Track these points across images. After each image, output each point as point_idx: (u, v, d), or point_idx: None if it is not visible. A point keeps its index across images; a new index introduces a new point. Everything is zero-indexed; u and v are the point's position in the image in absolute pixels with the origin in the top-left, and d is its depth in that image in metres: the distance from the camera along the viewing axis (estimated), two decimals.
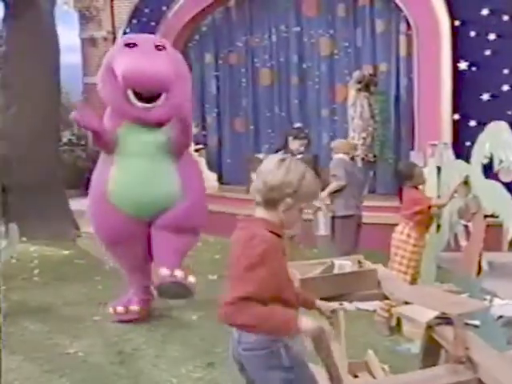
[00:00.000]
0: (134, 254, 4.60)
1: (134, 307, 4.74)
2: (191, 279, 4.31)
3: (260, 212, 1.98)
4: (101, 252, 7.22)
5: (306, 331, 1.84)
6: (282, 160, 1.94)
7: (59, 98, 9.08)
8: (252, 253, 1.84)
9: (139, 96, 4.25)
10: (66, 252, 7.35)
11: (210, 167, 8.94)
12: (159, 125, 4.39)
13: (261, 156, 8.61)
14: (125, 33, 8.95)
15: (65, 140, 13.78)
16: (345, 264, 3.04)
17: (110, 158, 4.48)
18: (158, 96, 4.27)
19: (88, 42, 14.83)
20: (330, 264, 3.05)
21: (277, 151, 5.48)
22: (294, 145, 5.44)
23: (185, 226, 4.47)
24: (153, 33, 8.69)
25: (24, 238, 7.29)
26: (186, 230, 4.49)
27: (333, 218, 5.26)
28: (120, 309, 4.74)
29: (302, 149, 5.48)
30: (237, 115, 9.30)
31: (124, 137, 4.39)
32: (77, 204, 9.65)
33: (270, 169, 1.93)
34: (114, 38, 11.97)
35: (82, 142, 14.53)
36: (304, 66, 8.67)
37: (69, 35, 15.30)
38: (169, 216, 4.43)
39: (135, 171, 4.36)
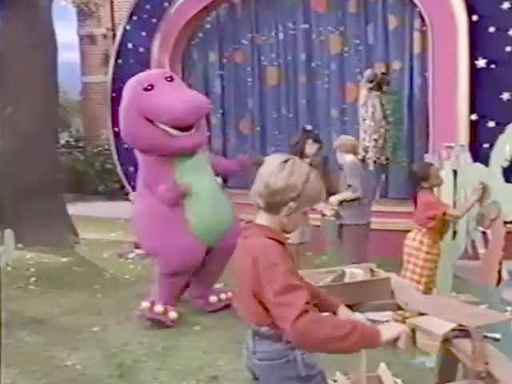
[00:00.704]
0: (186, 279, 5.02)
1: (174, 314, 4.84)
2: (230, 295, 5.12)
3: (261, 217, 1.96)
4: (100, 259, 7.29)
5: (389, 340, 1.83)
6: (285, 161, 1.89)
7: (57, 98, 9.12)
8: (274, 276, 1.81)
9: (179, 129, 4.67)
10: (64, 259, 7.37)
11: (215, 171, 9.02)
12: (195, 151, 4.84)
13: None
14: (125, 30, 8.98)
15: (62, 142, 13.85)
16: (356, 272, 3.02)
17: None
18: (190, 126, 4.70)
19: (86, 40, 14.90)
20: (340, 272, 3.04)
21: (295, 154, 5.47)
22: (312, 148, 5.43)
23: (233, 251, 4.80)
24: (154, 30, 8.74)
25: (20, 245, 7.31)
26: (232, 253, 4.79)
27: (341, 225, 5.22)
28: (159, 308, 4.79)
29: (317, 152, 5.48)
30: (242, 116, 9.30)
31: (182, 172, 4.75)
32: (75, 209, 9.70)
33: (272, 170, 1.87)
34: (114, 36, 12.01)
35: (80, 144, 14.59)
36: (313, 64, 8.65)
37: (66, 32, 15.41)
38: (228, 239, 4.73)
39: (207, 202, 4.80)
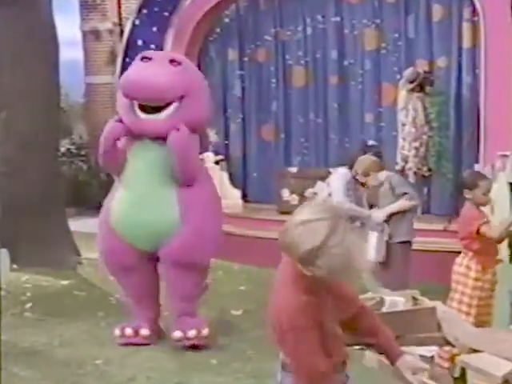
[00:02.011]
0: (137, 284, 5.14)
1: (146, 331, 5.11)
2: (205, 332, 4.99)
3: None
4: (105, 282, 7.29)
5: None
6: (304, 222, 1.95)
7: (58, 101, 9.19)
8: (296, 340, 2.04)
9: (145, 109, 4.80)
10: (65, 282, 7.38)
11: (233, 182, 9.03)
12: (163, 139, 4.84)
13: (293, 170, 8.62)
14: (133, 24, 9.06)
15: (63, 150, 13.96)
16: (397, 301, 3.00)
17: (119, 181, 5.09)
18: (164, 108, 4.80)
19: (90, 36, 15.06)
20: (379, 300, 3.01)
21: (350, 168, 5.60)
22: None
23: (181, 262, 4.87)
24: (166, 25, 8.80)
25: (15, 266, 7.34)
26: (184, 266, 4.89)
27: (387, 243, 5.29)
28: (129, 331, 5.10)
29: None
30: (265, 122, 9.32)
31: (131, 158, 4.96)
32: (78, 225, 9.73)
33: (291, 223, 1.99)
34: (121, 31, 12.13)
35: (83, 153, 14.71)
36: (345, 62, 8.66)
37: (68, 27, 15.60)
38: (165, 250, 4.92)
39: (133, 196, 4.93)
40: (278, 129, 9.25)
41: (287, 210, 8.25)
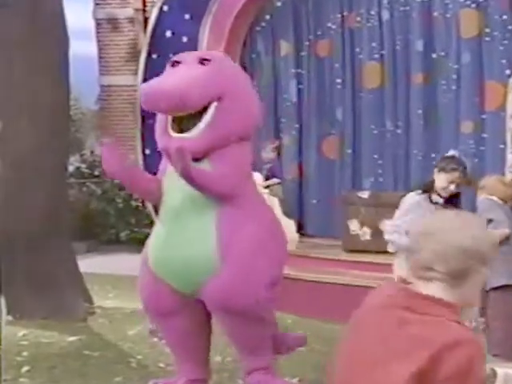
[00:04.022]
0: (180, 333, 5.26)
1: None
2: None
3: (431, 289, 2.12)
4: (123, 338, 7.26)
5: None
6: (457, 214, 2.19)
7: (67, 108, 9.29)
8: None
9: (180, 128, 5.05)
10: (72, 339, 7.38)
11: (287, 211, 8.94)
12: (197, 160, 5.01)
13: (364, 195, 8.50)
14: (161, 11, 9.12)
15: (71, 169, 14.15)
16: None
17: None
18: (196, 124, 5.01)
19: (107, 25, 15.32)
20: (488, 373, 2.87)
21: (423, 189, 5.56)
22: (440, 181, 5.44)
23: (226, 308, 5.03)
24: (202, 11, 8.84)
25: (9, 317, 7.38)
26: (227, 312, 5.04)
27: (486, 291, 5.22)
28: None
29: (452, 188, 5.40)
30: (327, 133, 9.33)
31: (165, 185, 5.16)
32: (89, 264, 9.78)
33: (451, 227, 2.11)
34: (146, 20, 12.26)
35: (97, 173, 14.88)
36: (434, 55, 8.62)
37: (80, 15, 15.89)
38: (205, 294, 5.06)
39: (167, 229, 5.13)
40: (345, 142, 9.26)
41: (356, 248, 8.17)
